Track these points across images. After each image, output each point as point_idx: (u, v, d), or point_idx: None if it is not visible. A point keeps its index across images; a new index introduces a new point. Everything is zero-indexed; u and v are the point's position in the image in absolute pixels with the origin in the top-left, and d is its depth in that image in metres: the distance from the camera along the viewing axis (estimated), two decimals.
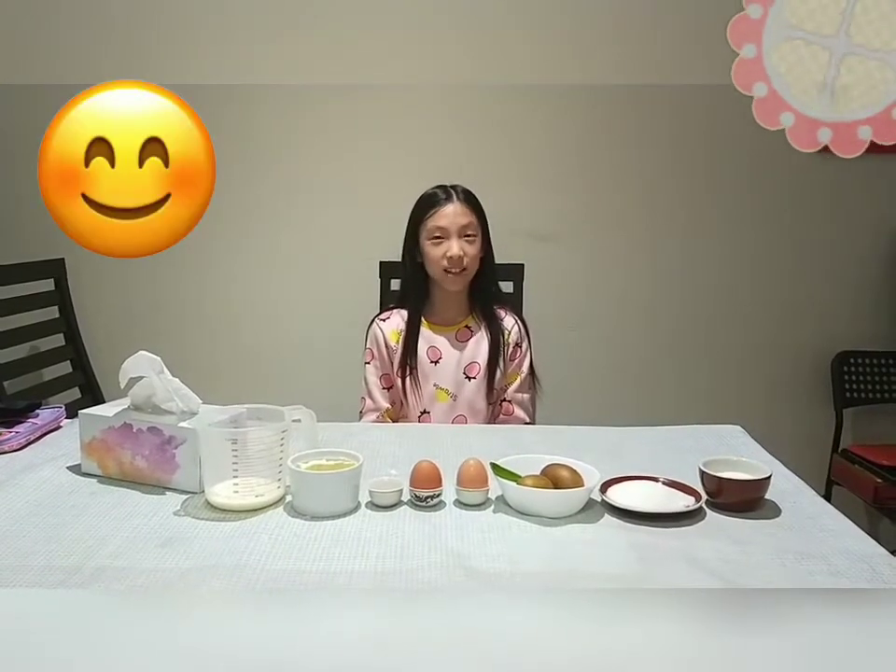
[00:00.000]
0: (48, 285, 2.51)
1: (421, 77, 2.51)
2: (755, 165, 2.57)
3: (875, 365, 2.61)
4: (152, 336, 2.55)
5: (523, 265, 1.99)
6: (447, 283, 1.70)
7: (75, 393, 2.54)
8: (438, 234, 1.67)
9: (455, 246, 1.65)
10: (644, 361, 2.67)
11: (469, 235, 1.67)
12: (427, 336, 1.75)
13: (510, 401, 1.76)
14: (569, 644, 0.76)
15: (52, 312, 2.52)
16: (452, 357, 1.73)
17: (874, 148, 2.85)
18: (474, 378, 1.73)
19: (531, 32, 2.49)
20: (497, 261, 1.79)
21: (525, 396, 1.78)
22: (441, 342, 1.74)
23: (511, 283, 1.98)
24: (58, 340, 2.54)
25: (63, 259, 2.54)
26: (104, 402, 1.43)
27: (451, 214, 1.67)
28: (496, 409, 1.77)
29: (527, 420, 1.77)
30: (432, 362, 1.73)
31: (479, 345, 1.74)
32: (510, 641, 0.76)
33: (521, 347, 1.77)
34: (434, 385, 1.72)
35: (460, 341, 1.75)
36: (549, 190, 2.60)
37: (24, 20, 2.34)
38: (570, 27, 2.49)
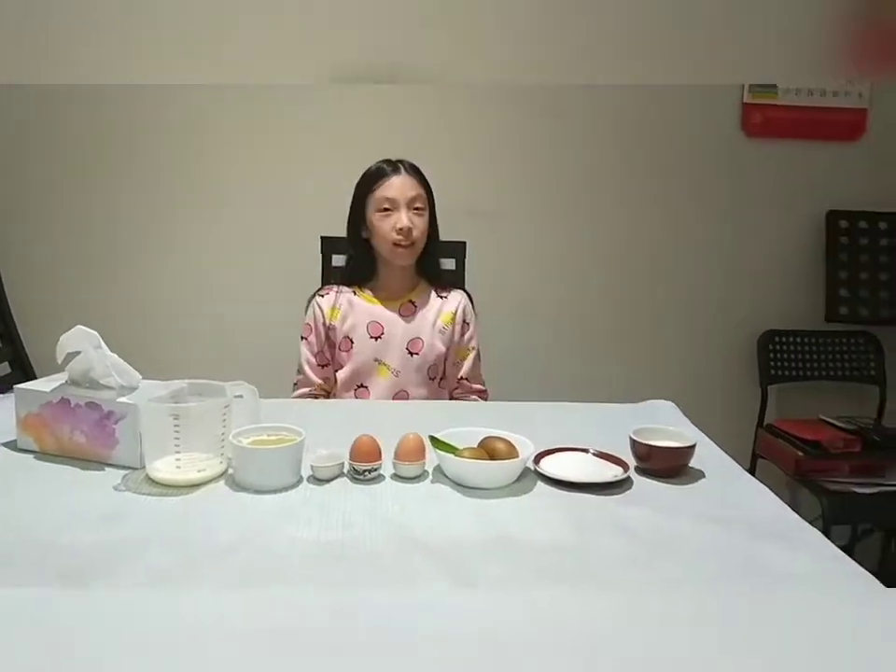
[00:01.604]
0: None
1: (361, 63, 2.50)
2: (689, 149, 2.65)
3: (798, 343, 2.74)
4: (85, 311, 2.49)
5: (465, 243, 2.02)
6: (396, 258, 1.70)
7: (4, 368, 2.47)
8: (386, 206, 1.66)
9: (404, 218, 1.65)
10: (581, 340, 2.73)
11: (417, 208, 1.67)
12: (369, 310, 1.75)
13: (467, 379, 1.80)
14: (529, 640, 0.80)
15: None
16: (396, 333, 1.74)
17: (803, 134, 2.94)
18: (417, 354, 1.74)
19: (464, 24, 2.49)
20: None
21: (479, 372, 1.82)
22: (385, 317, 1.74)
23: (454, 260, 2.01)
24: None
25: None
26: (35, 378, 1.41)
27: (399, 185, 1.66)
28: (452, 385, 1.80)
29: (483, 388, 1.82)
30: (373, 337, 1.74)
31: (423, 321, 1.76)
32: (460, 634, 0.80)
33: (469, 324, 1.80)
34: (375, 360, 1.73)
35: (403, 315, 1.76)
36: (487, 167, 2.63)
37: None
38: (502, 25, 2.49)
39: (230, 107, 2.55)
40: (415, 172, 1.70)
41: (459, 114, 2.60)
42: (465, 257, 2.02)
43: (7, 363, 2.48)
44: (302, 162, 2.58)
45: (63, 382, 1.22)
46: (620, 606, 0.81)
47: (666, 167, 2.67)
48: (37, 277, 2.61)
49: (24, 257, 2.58)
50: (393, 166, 1.69)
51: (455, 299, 1.79)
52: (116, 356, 1.21)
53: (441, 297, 1.79)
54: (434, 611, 0.79)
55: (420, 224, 1.68)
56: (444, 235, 1.82)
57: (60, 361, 1.21)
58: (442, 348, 1.76)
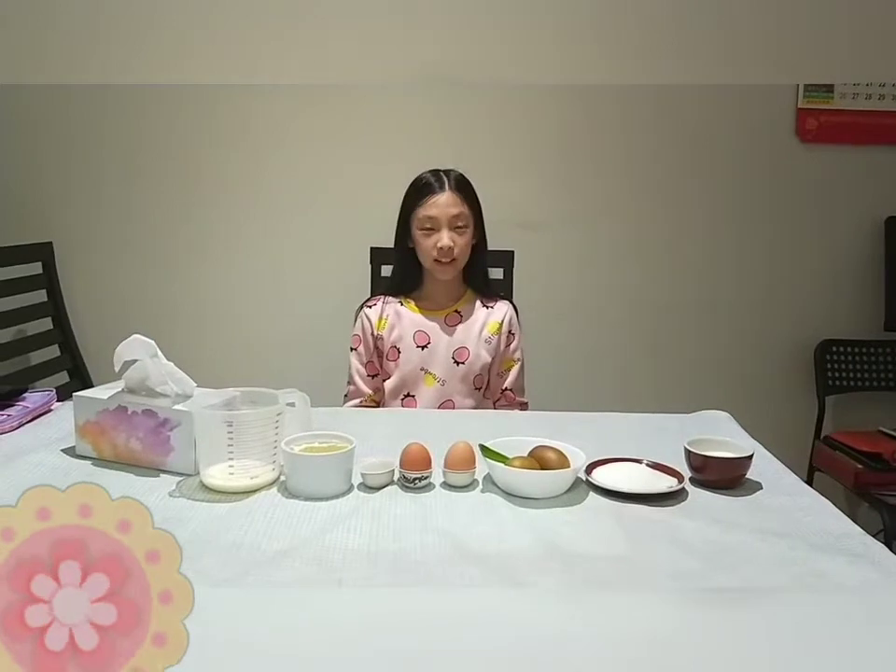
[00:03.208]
0: (35, 268, 2.51)
1: (414, 72, 2.52)
2: (740, 155, 2.60)
3: (856, 353, 2.66)
4: (141, 320, 2.54)
5: (513, 252, 2.01)
6: (437, 273, 1.71)
7: (63, 377, 2.54)
8: (428, 224, 1.67)
9: (444, 237, 1.66)
10: (631, 349, 2.70)
11: (459, 226, 1.68)
12: (415, 320, 1.76)
13: (511, 390, 1.79)
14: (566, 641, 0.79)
15: (40, 295, 2.52)
16: (441, 342, 1.74)
17: (860, 139, 2.88)
18: (462, 363, 1.74)
19: (517, 32, 2.50)
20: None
21: (522, 384, 1.81)
22: (431, 326, 1.75)
23: (502, 269, 2.00)
24: (46, 324, 2.54)
25: (51, 242, 2.54)
26: (92, 386, 1.44)
27: (442, 204, 1.66)
28: (496, 396, 1.80)
29: (525, 401, 1.81)
30: (419, 347, 1.74)
31: (468, 330, 1.76)
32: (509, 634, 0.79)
33: (515, 335, 1.79)
34: (422, 370, 1.73)
35: (449, 325, 1.76)
36: (538, 180, 2.62)
37: (24, 19, 2.33)
38: (555, 28, 2.50)
39: (281, 114, 2.59)
40: (461, 187, 1.69)
41: (510, 124, 2.60)
42: (513, 266, 2.01)
43: (66, 372, 2.55)
44: (353, 173, 2.60)
45: (120, 390, 1.25)
46: (674, 617, 0.79)
47: (719, 174, 2.63)
48: (95, 290, 2.68)
49: (82, 270, 2.65)
50: (439, 182, 1.68)
51: (502, 309, 1.79)
52: (171, 364, 1.23)
53: (488, 307, 1.79)
54: (485, 617, 0.78)
55: (461, 242, 1.68)
56: (493, 244, 1.82)
57: (117, 370, 1.24)
58: (488, 358, 1.75)
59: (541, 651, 0.73)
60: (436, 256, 1.67)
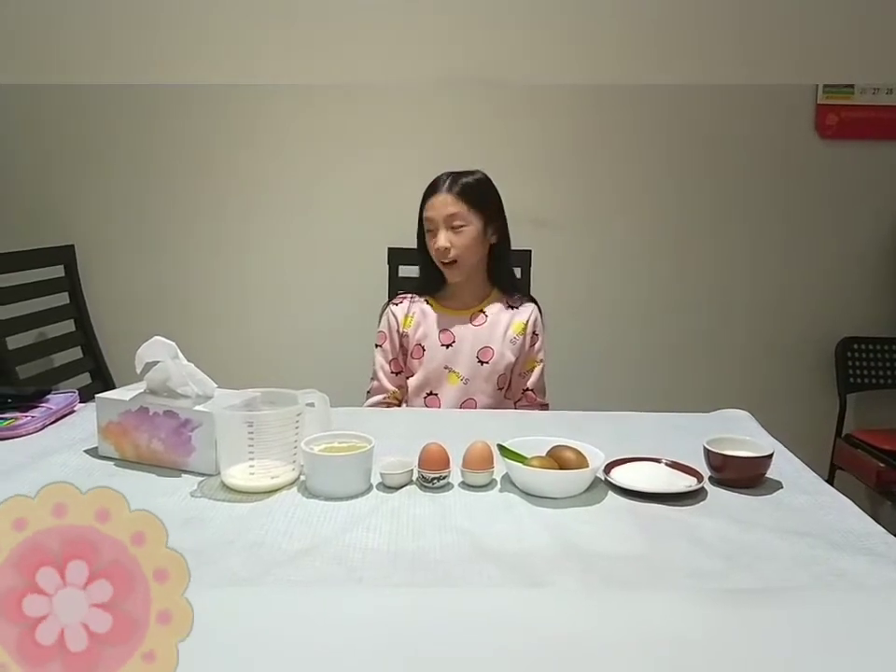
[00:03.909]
0: (57, 271, 2.54)
1: (431, 73, 2.53)
2: (758, 152, 2.59)
3: (878, 351, 2.64)
4: (162, 322, 2.57)
5: (530, 252, 2.01)
6: (445, 275, 1.73)
7: (85, 378, 2.57)
8: (429, 226, 1.69)
9: (441, 238, 1.66)
10: (647, 347, 2.69)
11: (456, 226, 1.67)
12: (440, 319, 1.76)
13: (532, 390, 1.79)
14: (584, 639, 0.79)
15: (62, 298, 2.55)
16: (466, 342, 1.75)
17: (881, 135, 2.86)
18: (486, 363, 1.74)
19: (530, 32, 2.50)
20: None
21: (544, 384, 1.82)
22: (456, 326, 1.75)
23: (519, 269, 2.00)
24: (68, 326, 2.57)
25: (73, 245, 2.57)
26: (114, 387, 1.46)
27: (438, 205, 1.67)
28: (517, 396, 1.80)
29: (546, 402, 1.81)
30: (444, 345, 1.75)
31: (494, 330, 1.76)
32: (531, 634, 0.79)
33: (539, 336, 1.79)
34: (446, 368, 1.74)
35: (474, 324, 1.76)
36: (552, 179, 2.62)
37: (24, 19, 2.37)
38: (570, 28, 2.49)
39: (299, 113, 2.60)
40: (459, 187, 1.67)
41: (525, 124, 2.60)
42: (530, 265, 2.01)
43: (88, 373, 2.58)
44: (371, 173, 2.61)
45: (142, 391, 1.26)
46: (693, 616, 0.79)
47: (736, 172, 2.61)
48: (116, 292, 2.71)
49: (102, 272, 2.68)
50: (439, 183, 1.68)
51: (527, 310, 1.79)
52: (192, 365, 1.25)
53: (513, 307, 1.79)
54: (503, 616, 0.78)
55: (459, 242, 1.67)
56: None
57: (138, 371, 1.25)
58: (512, 358, 1.75)
59: (560, 651, 0.73)
60: (435, 257, 1.69)
